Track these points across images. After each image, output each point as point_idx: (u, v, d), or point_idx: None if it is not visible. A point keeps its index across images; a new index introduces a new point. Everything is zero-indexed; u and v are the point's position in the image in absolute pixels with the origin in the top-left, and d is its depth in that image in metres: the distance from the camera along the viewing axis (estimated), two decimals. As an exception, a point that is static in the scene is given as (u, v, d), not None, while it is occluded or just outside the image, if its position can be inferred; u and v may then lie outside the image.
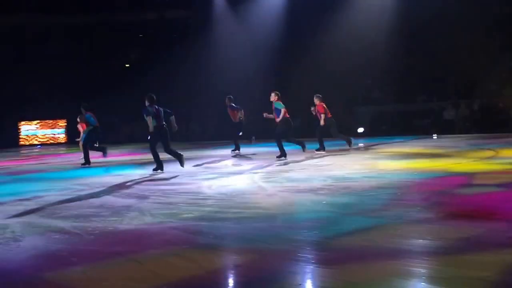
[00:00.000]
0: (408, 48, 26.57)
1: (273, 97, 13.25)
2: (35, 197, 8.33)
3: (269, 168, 11.17)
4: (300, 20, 30.27)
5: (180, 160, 11.10)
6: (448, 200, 6.82)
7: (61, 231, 5.82)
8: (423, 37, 26.38)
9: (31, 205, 7.62)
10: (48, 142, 32.81)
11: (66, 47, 37.85)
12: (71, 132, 32.31)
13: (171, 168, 11.48)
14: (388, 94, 24.40)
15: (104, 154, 14.56)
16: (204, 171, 11.31)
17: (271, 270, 4.15)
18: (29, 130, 33.25)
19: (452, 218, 5.66)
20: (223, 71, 29.96)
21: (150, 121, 10.77)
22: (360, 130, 22.64)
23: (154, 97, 11.07)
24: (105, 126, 27.53)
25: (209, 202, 7.30)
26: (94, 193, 8.61)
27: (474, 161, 11.29)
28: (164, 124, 11.01)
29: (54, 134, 33.53)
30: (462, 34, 23.38)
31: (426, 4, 25.13)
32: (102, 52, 37.48)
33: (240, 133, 15.90)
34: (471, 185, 8.13)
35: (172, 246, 4.99)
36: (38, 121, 33.11)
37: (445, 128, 21.33)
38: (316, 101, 14.76)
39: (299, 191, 7.95)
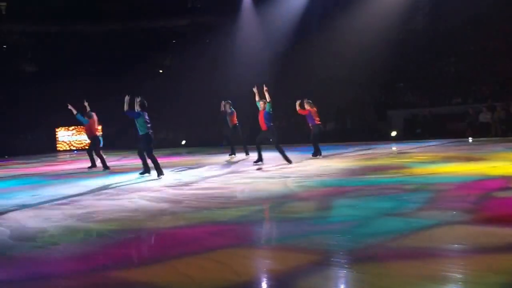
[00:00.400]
0: (442, 50, 26.27)
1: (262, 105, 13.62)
2: (72, 201, 8.48)
3: (300, 173, 11.12)
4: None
5: (149, 170, 11.81)
6: (484, 204, 6.70)
7: (98, 235, 5.92)
8: (457, 39, 26.05)
9: (68, 209, 7.76)
10: (84, 148, 33.29)
11: (101, 53, 38.52)
12: (106, 137, 32.85)
13: (206, 173, 11.56)
14: (422, 98, 24.10)
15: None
16: (236, 176, 11.33)
17: (304, 275, 4.14)
18: (66, 136, 33.87)
19: (488, 222, 5.55)
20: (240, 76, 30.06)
21: (141, 127, 11.55)
22: (393, 134, 22.42)
23: (146, 103, 11.82)
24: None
25: (242, 206, 7.33)
26: (128, 197, 8.71)
27: (511, 164, 11.05)
28: (151, 131, 11.68)
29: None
30: (497, 35, 23.00)
31: (460, 6, 24.76)
32: (135, 57, 37.91)
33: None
34: (508, 189, 7.95)
35: (205, 249, 5.03)
36: (74, 126, 33.68)
37: (481, 131, 20.95)
38: (307, 106, 14.78)
39: (333, 194, 7.92)
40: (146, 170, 11.96)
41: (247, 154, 16.20)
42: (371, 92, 25.31)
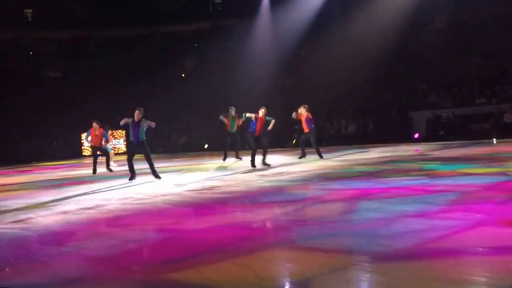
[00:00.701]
0: (465, 50, 26.01)
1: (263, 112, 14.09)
2: (97, 206, 8.58)
3: (321, 175, 11.10)
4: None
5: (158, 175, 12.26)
6: (509, 206, 6.64)
7: (122, 239, 6.00)
8: (481, 38, 25.78)
9: (94, 213, 7.86)
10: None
11: (125, 58, 38.94)
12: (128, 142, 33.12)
13: (227, 177, 11.63)
14: (445, 98, 23.86)
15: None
16: (259, 179, 11.35)
17: (327, 278, 4.16)
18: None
19: (512, 225, 5.51)
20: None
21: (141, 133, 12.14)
22: (416, 135, 22.23)
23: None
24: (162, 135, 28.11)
25: (264, 210, 7.37)
26: (153, 201, 8.79)
27: (536, 165, 10.90)
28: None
29: (115, 145, 34.27)
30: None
31: (483, 5, 24.51)
32: (158, 62, 38.19)
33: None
34: (533, 191, 7.87)
35: (229, 253, 5.06)
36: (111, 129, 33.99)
37: (506, 132, 20.64)
38: (303, 111, 15.35)
39: (356, 197, 7.90)
40: (155, 175, 12.25)
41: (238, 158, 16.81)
42: (393, 93, 25.13)
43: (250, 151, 14.30)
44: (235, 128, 16.84)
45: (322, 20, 33.21)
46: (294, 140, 24.99)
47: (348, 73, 29.50)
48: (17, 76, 35.90)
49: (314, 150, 15.68)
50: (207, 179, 12.01)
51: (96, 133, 16.07)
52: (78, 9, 39.89)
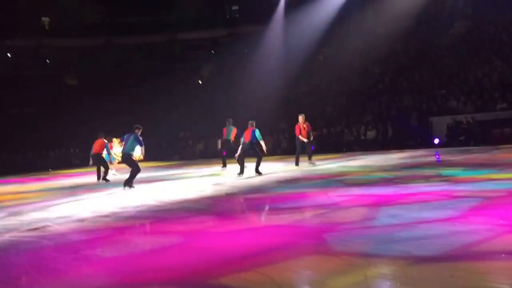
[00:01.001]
0: (485, 55, 25.72)
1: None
2: (114, 214, 8.55)
3: (339, 182, 10.97)
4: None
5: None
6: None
7: (140, 246, 5.94)
8: (502, 42, 25.48)
9: (110, 221, 7.84)
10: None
11: (141, 65, 39.16)
12: (146, 149, 33.18)
13: (243, 183, 11.57)
14: (465, 104, 23.55)
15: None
16: (277, 185, 11.24)
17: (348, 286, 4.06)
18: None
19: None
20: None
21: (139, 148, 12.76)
22: (436, 141, 21.96)
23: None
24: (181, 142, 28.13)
25: (284, 216, 7.27)
26: (170, 208, 8.77)
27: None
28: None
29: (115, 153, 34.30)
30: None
31: (503, 9, 24.23)
32: (175, 69, 38.32)
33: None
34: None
35: (248, 261, 4.97)
36: (115, 138, 34.03)
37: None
38: (301, 119, 15.95)
39: (377, 203, 7.75)
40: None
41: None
42: (413, 98, 24.90)
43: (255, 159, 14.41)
44: (231, 138, 17.20)
45: (340, 25, 33.18)
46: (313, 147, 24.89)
47: (366, 78, 29.40)
48: (35, 84, 36.29)
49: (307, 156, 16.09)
50: (222, 185, 11.97)
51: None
52: (96, 16, 40.28)
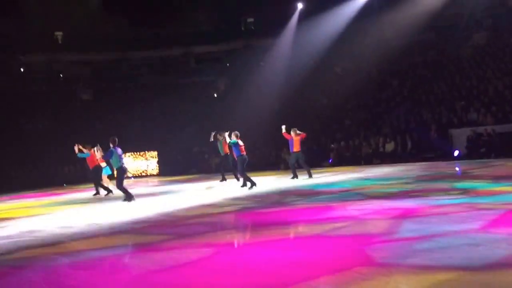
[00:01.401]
0: (505, 67, 25.43)
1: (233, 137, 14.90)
2: (130, 229, 8.43)
3: (356, 195, 10.75)
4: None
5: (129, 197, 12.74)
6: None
7: (159, 263, 5.75)
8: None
9: (127, 237, 7.74)
10: (140, 174, 33.60)
11: (155, 79, 39.30)
12: (162, 163, 33.19)
13: (259, 197, 11.37)
14: (485, 116, 23.23)
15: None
16: (297, 199, 11.02)
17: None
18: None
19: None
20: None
21: (115, 158, 12.84)
22: (456, 153, 21.68)
23: (116, 139, 12.99)
24: (196, 156, 28.01)
25: (305, 230, 7.07)
26: (185, 223, 8.65)
27: None
28: (123, 164, 12.99)
29: (146, 166, 34.33)
30: None
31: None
32: (190, 82, 38.40)
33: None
34: None
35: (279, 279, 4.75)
36: (131, 153, 34.05)
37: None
38: (292, 133, 16.56)
39: (399, 216, 7.54)
40: (128, 197, 12.77)
41: (238, 180, 17.00)
42: (432, 110, 24.64)
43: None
44: (224, 151, 17.94)
45: (357, 37, 33.13)
46: (331, 160, 24.75)
47: (385, 91, 29.25)
48: (48, 99, 36.45)
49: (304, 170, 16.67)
50: (240, 199, 11.83)
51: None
52: (110, 31, 40.44)
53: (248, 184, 14.47)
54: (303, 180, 15.83)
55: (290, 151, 16.88)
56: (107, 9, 38.21)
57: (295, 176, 16.55)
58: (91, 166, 16.76)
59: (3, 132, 32.36)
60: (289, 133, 16.69)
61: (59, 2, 34.41)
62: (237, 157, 14.80)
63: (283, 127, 16.92)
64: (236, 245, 6.70)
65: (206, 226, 8.19)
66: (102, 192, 16.50)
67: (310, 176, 16.29)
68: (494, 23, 29.28)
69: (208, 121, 33.45)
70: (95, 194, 16.60)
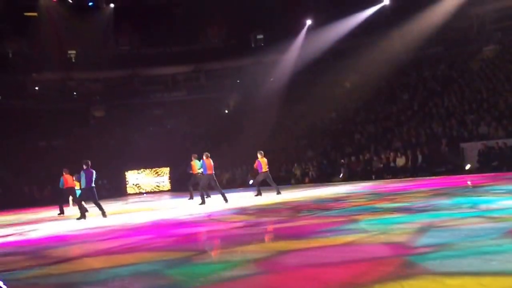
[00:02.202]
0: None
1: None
2: (143, 244, 8.44)
3: (369, 210, 10.73)
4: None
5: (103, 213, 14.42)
6: None
7: (171, 280, 5.79)
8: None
9: (138, 253, 7.69)
10: (153, 190, 33.79)
11: (167, 96, 39.59)
12: (173, 179, 33.32)
13: (270, 215, 11.36)
14: (496, 129, 23.14)
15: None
16: (307, 214, 11.03)
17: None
18: (136, 178, 34.45)
19: None
20: None
21: (82, 180, 14.32)
22: (467, 167, 21.59)
23: (89, 162, 14.29)
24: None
25: (315, 239, 7.08)
26: (195, 241, 8.61)
27: None
28: (93, 186, 14.23)
29: (158, 182, 34.51)
30: None
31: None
32: (200, 99, 38.64)
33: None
34: None
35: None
36: (143, 169, 34.28)
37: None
38: (259, 156, 18.15)
39: (405, 233, 7.50)
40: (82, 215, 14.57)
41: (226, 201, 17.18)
42: (443, 124, 24.61)
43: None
44: (198, 171, 18.71)
45: (366, 51, 33.20)
46: (342, 175, 24.73)
47: (395, 105, 29.27)
48: (62, 117, 36.85)
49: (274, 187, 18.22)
50: (258, 215, 11.78)
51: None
52: (121, 49, 40.99)
53: (201, 201, 16.51)
54: (275, 196, 16.98)
55: (260, 171, 18.17)
56: (118, 28, 38.75)
57: (259, 194, 18.08)
58: (65, 186, 18.66)
59: (19, 149, 32.78)
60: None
61: (72, 22, 34.93)
62: (204, 174, 16.75)
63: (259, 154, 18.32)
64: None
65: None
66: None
67: (279, 192, 17.79)
68: (504, 36, 29.28)
69: (219, 137, 33.66)
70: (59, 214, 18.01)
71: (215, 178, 16.71)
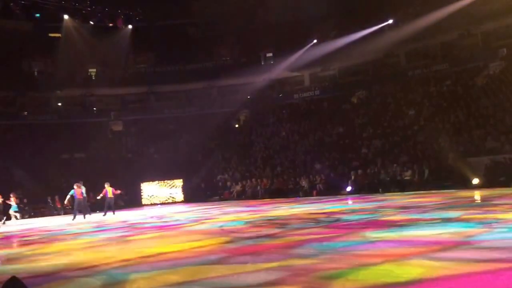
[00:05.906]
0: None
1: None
2: (157, 254, 8.59)
3: (372, 225, 10.71)
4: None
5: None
6: None
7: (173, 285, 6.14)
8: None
9: (154, 262, 7.91)
10: (166, 202, 34.35)
11: (180, 111, 40.25)
12: (186, 190, 33.91)
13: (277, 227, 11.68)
14: (503, 144, 23.25)
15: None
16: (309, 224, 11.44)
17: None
18: (151, 190, 34.99)
19: None
20: None
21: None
22: (475, 181, 21.58)
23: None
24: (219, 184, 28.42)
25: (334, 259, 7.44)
26: (209, 250, 8.86)
27: None
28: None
29: (171, 193, 35.07)
30: None
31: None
32: (213, 114, 39.17)
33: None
34: None
35: None
36: (158, 181, 34.83)
37: None
38: (106, 185, 23.10)
39: (413, 249, 7.39)
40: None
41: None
42: (450, 139, 24.79)
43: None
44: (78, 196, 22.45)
45: (373, 66, 33.56)
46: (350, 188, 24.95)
47: (402, 119, 29.46)
48: (83, 131, 37.87)
49: None
50: (267, 228, 11.79)
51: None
52: (138, 67, 42.14)
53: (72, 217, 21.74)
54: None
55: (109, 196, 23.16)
56: (136, 47, 39.79)
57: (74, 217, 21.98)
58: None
59: (44, 162, 33.68)
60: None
61: (92, 42, 36.14)
62: (75, 199, 22.04)
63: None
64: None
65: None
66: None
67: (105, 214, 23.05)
68: (509, 52, 29.47)
69: (229, 150, 34.17)
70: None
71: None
